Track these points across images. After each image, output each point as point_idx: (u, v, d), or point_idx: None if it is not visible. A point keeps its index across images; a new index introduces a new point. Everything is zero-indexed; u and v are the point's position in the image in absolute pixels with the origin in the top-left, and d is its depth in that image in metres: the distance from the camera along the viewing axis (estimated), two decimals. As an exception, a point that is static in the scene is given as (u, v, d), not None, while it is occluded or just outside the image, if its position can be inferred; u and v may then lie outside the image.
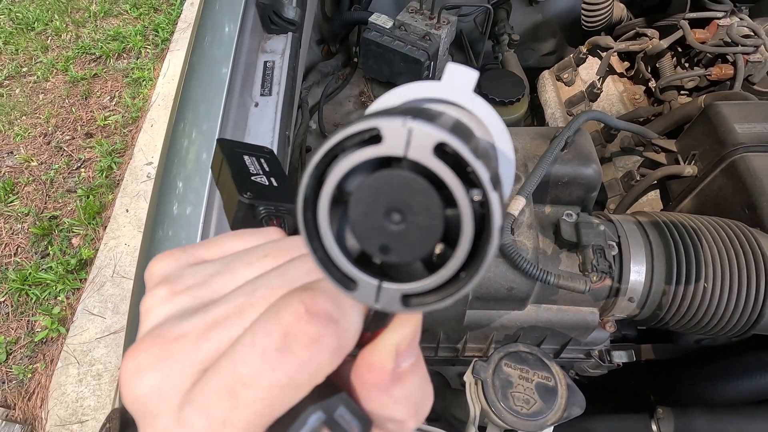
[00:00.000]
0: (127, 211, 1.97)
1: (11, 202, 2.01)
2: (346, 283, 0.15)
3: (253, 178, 0.29)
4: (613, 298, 0.62)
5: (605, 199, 0.98)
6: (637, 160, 0.98)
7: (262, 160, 0.31)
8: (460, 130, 0.14)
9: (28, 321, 1.71)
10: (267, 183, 0.29)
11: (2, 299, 1.75)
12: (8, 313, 1.73)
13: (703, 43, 0.97)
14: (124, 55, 2.65)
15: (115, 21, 2.82)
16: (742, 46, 0.92)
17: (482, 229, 0.14)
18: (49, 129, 2.28)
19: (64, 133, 2.28)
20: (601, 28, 1.17)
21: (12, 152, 2.19)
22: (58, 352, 1.63)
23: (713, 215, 0.66)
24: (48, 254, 1.86)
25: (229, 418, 0.15)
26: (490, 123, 0.19)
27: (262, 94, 0.66)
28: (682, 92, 1.02)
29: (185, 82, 0.66)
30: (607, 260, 0.56)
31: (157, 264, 0.20)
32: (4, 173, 2.11)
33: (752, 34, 0.94)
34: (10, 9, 2.81)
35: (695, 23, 1.00)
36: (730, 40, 0.94)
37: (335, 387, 0.17)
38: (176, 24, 2.78)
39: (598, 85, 1.13)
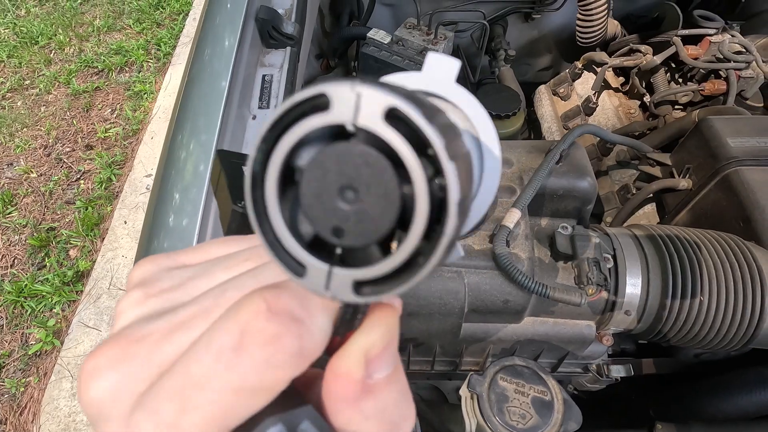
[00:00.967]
0: (126, 222, 1.97)
1: (9, 213, 2.01)
2: (296, 268, 0.14)
3: None
4: (610, 311, 0.61)
5: (602, 212, 0.99)
6: (633, 174, 0.98)
7: None
8: (416, 100, 0.13)
9: (22, 333, 1.70)
10: None
11: (-3, 311, 1.74)
12: (2, 325, 1.71)
13: (695, 59, 0.98)
14: (126, 69, 2.68)
15: (118, 35, 2.86)
16: (734, 62, 0.93)
17: (441, 208, 0.12)
18: (50, 141, 2.30)
19: (64, 145, 2.29)
20: (595, 44, 1.19)
21: (12, 164, 2.20)
22: (51, 366, 1.61)
23: (709, 228, 0.66)
24: (45, 266, 1.85)
25: (178, 423, 0.13)
26: (473, 114, 0.18)
27: (260, 107, 0.66)
28: (676, 107, 1.03)
29: (184, 93, 0.67)
30: (602, 273, 0.56)
31: (138, 268, 0.19)
32: (3, 185, 2.11)
33: (744, 50, 0.96)
34: (15, 23, 2.86)
35: (688, 40, 1.02)
36: (722, 56, 0.95)
37: (302, 399, 0.15)
38: (178, 38, 2.82)
39: (594, 100, 1.15)
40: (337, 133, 0.13)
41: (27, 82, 2.57)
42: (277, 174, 0.13)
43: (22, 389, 1.57)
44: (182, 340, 0.15)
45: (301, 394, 0.16)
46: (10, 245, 1.92)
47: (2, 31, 2.81)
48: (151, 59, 2.71)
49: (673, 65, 1.06)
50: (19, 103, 2.46)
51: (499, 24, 1.29)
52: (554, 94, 1.27)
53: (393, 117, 0.12)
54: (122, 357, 0.15)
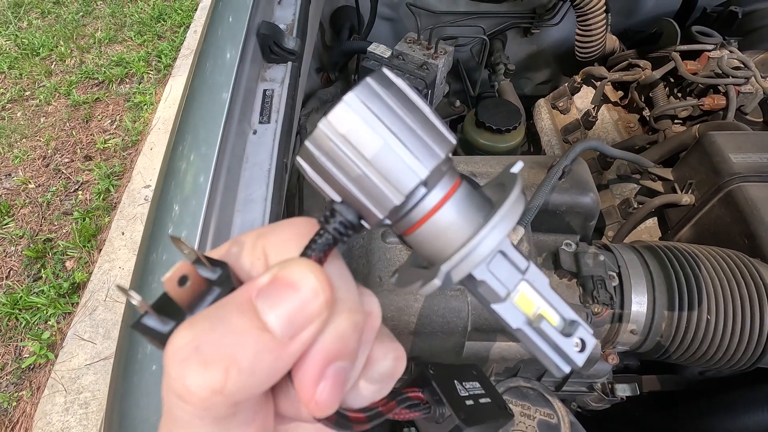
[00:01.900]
0: (123, 233, 1.96)
1: (6, 224, 2.00)
2: None
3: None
4: (615, 329, 0.60)
5: (603, 226, 0.98)
6: (634, 188, 0.98)
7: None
8: None
9: (16, 346, 1.67)
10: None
11: (-9, 324, 1.72)
12: (-4, 338, 1.69)
13: (694, 74, 0.99)
14: (127, 80, 2.69)
15: (119, 47, 2.88)
16: (733, 77, 0.94)
17: None
18: (49, 152, 2.29)
19: (63, 155, 2.29)
20: (594, 59, 1.19)
21: (10, 174, 2.19)
22: (45, 379, 1.59)
23: (712, 244, 0.66)
24: (40, 277, 1.83)
25: None
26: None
27: (260, 122, 0.66)
28: (675, 121, 1.04)
29: (185, 105, 0.66)
30: (608, 291, 0.55)
31: None
32: (0, 195, 2.10)
33: (742, 66, 0.96)
34: (16, 35, 2.87)
35: (686, 55, 1.03)
36: (721, 72, 0.96)
37: None
38: (179, 51, 2.84)
39: (594, 114, 1.15)
40: None
41: (27, 93, 2.58)
42: None
43: (14, 404, 1.54)
44: None
45: None
46: (6, 256, 1.90)
47: (3, 43, 2.83)
48: (152, 71, 2.72)
49: (672, 80, 1.07)
50: (18, 114, 2.46)
51: (498, 39, 1.30)
52: (554, 108, 1.27)
53: None
54: None
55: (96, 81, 2.67)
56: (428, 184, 0.19)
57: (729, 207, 0.68)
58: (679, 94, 1.05)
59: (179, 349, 0.16)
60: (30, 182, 2.15)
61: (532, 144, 1.29)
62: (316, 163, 0.19)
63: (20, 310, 1.73)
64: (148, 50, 2.84)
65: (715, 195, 0.71)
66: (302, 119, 1.09)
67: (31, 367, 1.61)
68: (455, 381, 0.30)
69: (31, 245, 1.91)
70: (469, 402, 0.29)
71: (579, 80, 1.20)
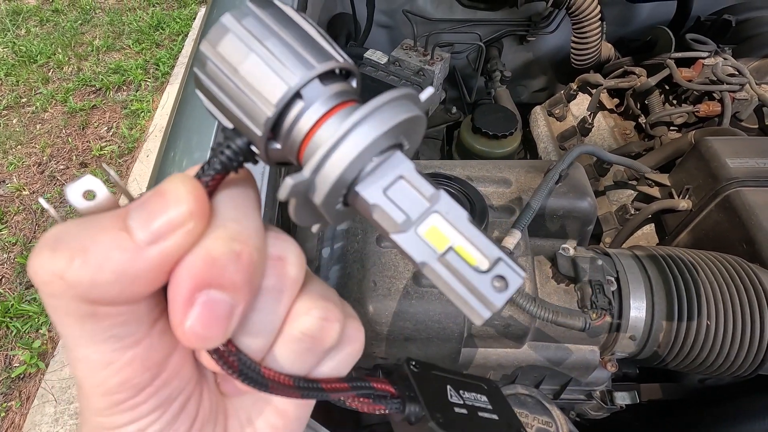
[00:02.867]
0: (117, 241, 1.94)
1: (-1, 231, 1.98)
2: None
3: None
4: (614, 335, 0.59)
5: (600, 232, 0.98)
6: (631, 194, 0.98)
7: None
8: None
9: (6, 355, 1.64)
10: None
11: (-20, 332, 1.69)
12: (-15, 347, 1.66)
13: (689, 81, 0.99)
14: (124, 88, 2.69)
15: (117, 55, 2.89)
16: (728, 84, 0.94)
17: None
18: (44, 158, 2.28)
19: (58, 162, 2.28)
20: (589, 67, 1.20)
21: (4, 181, 2.18)
22: (35, 389, 1.55)
23: (710, 250, 0.65)
24: (32, 285, 1.81)
25: None
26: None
27: (255, 125, 0.66)
28: (671, 128, 1.04)
29: (178, 111, 0.66)
30: (606, 296, 0.54)
31: None
32: (-6, 202, 2.08)
33: (737, 73, 0.97)
34: (14, 42, 2.87)
35: (681, 62, 1.03)
36: (716, 78, 0.96)
37: None
38: (177, 59, 2.85)
39: (590, 120, 1.15)
40: None
41: (24, 100, 2.57)
42: None
43: (3, 414, 1.51)
44: None
45: None
46: (-3, 264, 1.88)
47: (1, 51, 2.83)
48: (149, 78, 2.72)
49: (667, 87, 1.07)
50: (14, 121, 2.45)
51: (494, 46, 1.31)
52: (550, 115, 1.27)
53: None
54: None
55: (93, 88, 2.67)
56: (305, 98, 0.18)
57: (727, 212, 0.68)
58: (675, 101, 1.05)
59: (41, 240, 0.16)
60: (24, 189, 2.14)
61: (529, 151, 1.29)
62: (204, 88, 0.19)
63: (11, 318, 1.70)
64: (146, 58, 2.84)
65: (712, 200, 0.70)
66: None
67: (21, 376, 1.58)
68: (449, 386, 0.27)
69: (24, 252, 1.89)
70: (460, 410, 0.26)
71: (575, 87, 1.21)
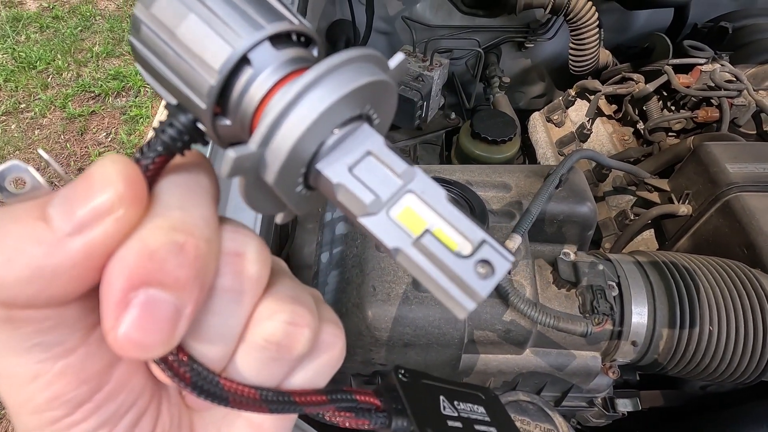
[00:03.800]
0: (114, 247, 1.93)
1: (-5, 236, 1.96)
2: None
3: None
4: (615, 341, 0.59)
5: (600, 238, 0.97)
6: (630, 200, 0.98)
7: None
8: None
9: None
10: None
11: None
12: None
13: (687, 87, 1.00)
14: (123, 94, 2.69)
15: (117, 61, 2.89)
16: (725, 90, 0.95)
17: None
18: (42, 164, 2.27)
19: (56, 168, 2.27)
20: (588, 73, 1.21)
21: (1, 186, 2.17)
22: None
23: (711, 255, 0.65)
24: None
25: None
26: None
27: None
28: (669, 134, 1.04)
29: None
30: (608, 302, 0.53)
31: None
32: (-10, 207, 2.07)
33: (734, 79, 0.97)
34: (14, 48, 2.88)
35: (678, 69, 1.04)
36: (714, 84, 0.96)
37: None
38: (176, 65, 2.85)
39: (588, 126, 1.15)
40: None
41: (22, 105, 2.57)
42: None
43: (-5, 423, 1.48)
44: None
45: None
46: (-7, 270, 1.86)
47: (0, 56, 2.83)
48: (148, 84, 2.73)
49: (665, 93, 1.07)
50: (12, 126, 2.45)
51: (493, 52, 1.32)
52: (548, 121, 1.28)
53: None
54: None
55: (92, 94, 2.67)
56: (254, 63, 0.15)
57: (727, 217, 0.68)
58: (673, 107, 1.06)
59: None
60: (21, 194, 2.13)
61: (527, 157, 1.29)
62: (141, 58, 0.16)
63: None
64: (145, 64, 2.85)
65: (712, 205, 0.70)
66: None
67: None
68: (442, 397, 0.24)
69: (20, 258, 1.87)
70: (454, 424, 0.23)
71: (573, 94, 1.21)
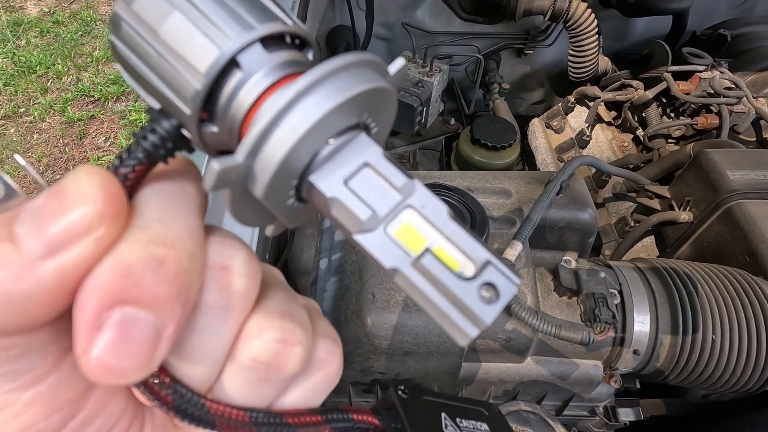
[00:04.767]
0: (112, 251, 1.92)
1: (-9, 241, 1.95)
2: None
3: None
4: (617, 350, 0.58)
5: (600, 245, 0.97)
6: (630, 206, 0.97)
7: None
8: None
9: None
10: None
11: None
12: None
13: (687, 94, 1.00)
14: (123, 98, 2.69)
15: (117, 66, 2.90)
16: (725, 97, 0.95)
17: None
18: (40, 168, 2.27)
19: (55, 172, 2.26)
20: (587, 79, 1.21)
21: (-2, 190, 2.16)
22: None
23: (712, 262, 0.64)
24: None
25: None
26: None
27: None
28: (669, 140, 1.04)
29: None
30: (610, 309, 0.53)
31: None
32: (-13, 212, 2.06)
33: (734, 86, 0.98)
34: (14, 53, 2.88)
35: (678, 76, 1.04)
36: (713, 91, 0.97)
37: None
38: (176, 69, 2.85)
39: (588, 133, 1.15)
40: None
41: (22, 109, 2.57)
42: None
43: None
44: None
45: None
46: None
47: (0, 60, 2.84)
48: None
49: (665, 100, 1.08)
50: (12, 131, 2.44)
51: (492, 58, 1.32)
52: (547, 127, 1.28)
53: None
54: None
55: (92, 98, 2.67)
56: (244, 67, 0.14)
57: (728, 224, 0.67)
58: (672, 114, 1.06)
59: None
60: (19, 199, 2.12)
61: (527, 163, 1.29)
62: (121, 58, 0.15)
63: None
64: (145, 69, 2.86)
65: (713, 212, 0.70)
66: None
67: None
68: (444, 414, 0.23)
69: (16, 263, 1.86)
70: None
71: (572, 100, 1.21)
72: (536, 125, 1.29)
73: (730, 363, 0.54)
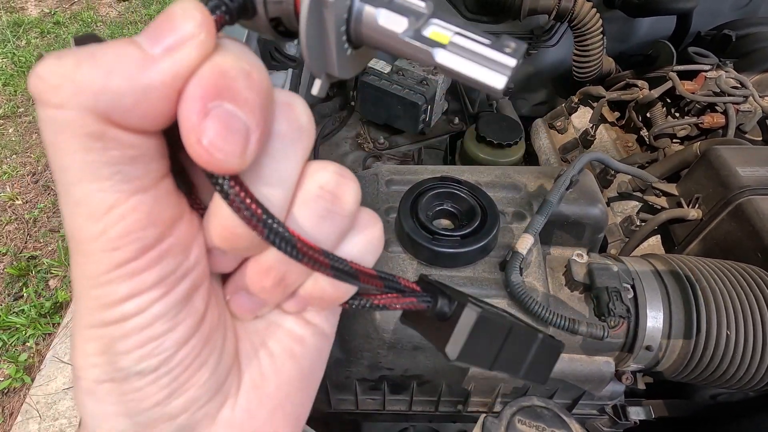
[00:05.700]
0: (111, 251, 1.90)
1: (-11, 240, 1.93)
2: None
3: None
4: (630, 346, 0.57)
5: (606, 244, 0.96)
6: (636, 205, 0.97)
7: None
8: None
9: (-10, 369, 1.58)
10: None
11: (-35, 345, 1.63)
12: (-30, 360, 1.60)
13: (693, 93, 1.00)
14: (123, 98, 2.69)
15: (117, 66, 2.89)
16: (731, 96, 0.94)
17: None
18: (39, 168, 2.25)
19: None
20: (591, 79, 1.21)
21: (-3, 190, 2.14)
22: (19, 405, 1.49)
23: (723, 259, 0.64)
24: (22, 296, 1.76)
25: None
26: None
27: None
28: (674, 140, 1.04)
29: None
30: (624, 304, 0.52)
31: None
32: (-15, 211, 2.04)
33: (740, 85, 0.97)
34: (14, 53, 2.88)
35: (683, 75, 1.04)
36: (719, 90, 0.96)
37: None
38: (177, 70, 2.85)
39: (592, 132, 1.15)
40: None
41: (21, 109, 2.55)
42: None
43: (-17, 431, 1.44)
44: None
45: None
46: (-14, 274, 1.83)
47: (0, 61, 2.83)
48: None
49: (669, 100, 1.07)
50: (10, 131, 2.43)
51: (496, 59, 1.32)
52: (551, 128, 1.27)
53: None
54: None
55: (92, 99, 2.66)
56: None
57: (739, 221, 0.67)
58: (677, 114, 1.05)
59: (52, 54, 0.15)
60: (17, 198, 2.10)
61: (530, 163, 1.28)
62: None
63: (-2, 330, 1.65)
64: (146, 70, 2.85)
65: (723, 209, 0.69)
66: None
67: (5, 391, 1.52)
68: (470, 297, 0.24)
69: (14, 263, 1.84)
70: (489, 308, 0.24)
71: (576, 100, 1.21)
72: (540, 126, 1.28)
73: (745, 359, 0.53)
